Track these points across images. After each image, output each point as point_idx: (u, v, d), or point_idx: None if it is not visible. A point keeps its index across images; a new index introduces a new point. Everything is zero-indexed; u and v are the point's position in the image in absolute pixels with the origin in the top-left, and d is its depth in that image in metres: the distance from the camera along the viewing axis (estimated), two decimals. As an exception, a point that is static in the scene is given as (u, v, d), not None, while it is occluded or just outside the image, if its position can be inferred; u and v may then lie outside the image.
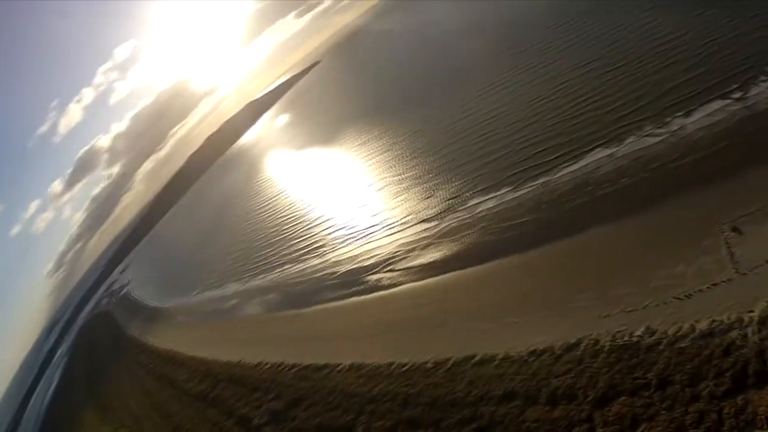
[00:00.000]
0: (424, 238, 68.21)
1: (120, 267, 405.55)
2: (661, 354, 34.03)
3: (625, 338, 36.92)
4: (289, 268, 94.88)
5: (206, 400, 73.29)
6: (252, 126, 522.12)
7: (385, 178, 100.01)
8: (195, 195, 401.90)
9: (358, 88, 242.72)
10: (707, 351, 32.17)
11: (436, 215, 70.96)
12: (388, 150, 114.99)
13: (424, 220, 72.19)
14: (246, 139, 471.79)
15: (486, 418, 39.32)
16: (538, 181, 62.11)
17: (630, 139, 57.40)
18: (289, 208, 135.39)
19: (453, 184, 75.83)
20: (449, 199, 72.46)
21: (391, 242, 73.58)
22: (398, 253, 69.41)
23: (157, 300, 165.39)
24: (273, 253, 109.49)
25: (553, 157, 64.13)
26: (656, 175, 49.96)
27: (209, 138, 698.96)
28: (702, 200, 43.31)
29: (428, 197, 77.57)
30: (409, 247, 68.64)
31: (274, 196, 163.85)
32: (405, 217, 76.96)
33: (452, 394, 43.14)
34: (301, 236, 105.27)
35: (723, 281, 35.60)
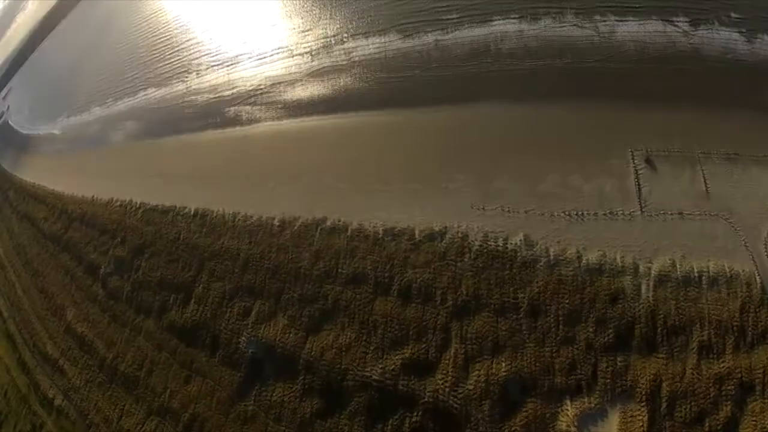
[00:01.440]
0: (292, 74, 61.29)
1: (3, 92, 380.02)
2: (538, 275, 30.53)
3: (499, 243, 32.95)
4: (153, 92, 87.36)
5: (60, 243, 71.06)
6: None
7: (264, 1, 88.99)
8: (82, 10, 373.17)
9: None
10: (592, 289, 29.00)
11: (310, 52, 63.03)
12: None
13: (295, 55, 64.34)
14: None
15: (330, 300, 36.56)
16: (430, 37, 54.00)
17: (547, 22, 49.12)
18: (163, 27, 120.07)
19: (335, 21, 66.40)
20: (328, 37, 63.89)
21: (257, 74, 66.36)
22: (262, 87, 62.88)
23: (28, 127, 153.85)
24: (138, 75, 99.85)
25: (455, 16, 54.86)
26: (570, 68, 43.68)
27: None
28: (618, 115, 38.04)
29: (306, 30, 68.44)
30: (275, 81, 61.98)
31: (152, 13, 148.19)
32: (276, 49, 68.38)
33: (296, 263, 40.09)
34: (168, 59, 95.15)
35: (624, 215, 31.91)
